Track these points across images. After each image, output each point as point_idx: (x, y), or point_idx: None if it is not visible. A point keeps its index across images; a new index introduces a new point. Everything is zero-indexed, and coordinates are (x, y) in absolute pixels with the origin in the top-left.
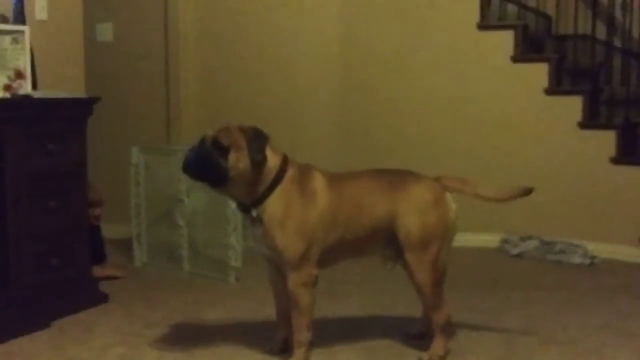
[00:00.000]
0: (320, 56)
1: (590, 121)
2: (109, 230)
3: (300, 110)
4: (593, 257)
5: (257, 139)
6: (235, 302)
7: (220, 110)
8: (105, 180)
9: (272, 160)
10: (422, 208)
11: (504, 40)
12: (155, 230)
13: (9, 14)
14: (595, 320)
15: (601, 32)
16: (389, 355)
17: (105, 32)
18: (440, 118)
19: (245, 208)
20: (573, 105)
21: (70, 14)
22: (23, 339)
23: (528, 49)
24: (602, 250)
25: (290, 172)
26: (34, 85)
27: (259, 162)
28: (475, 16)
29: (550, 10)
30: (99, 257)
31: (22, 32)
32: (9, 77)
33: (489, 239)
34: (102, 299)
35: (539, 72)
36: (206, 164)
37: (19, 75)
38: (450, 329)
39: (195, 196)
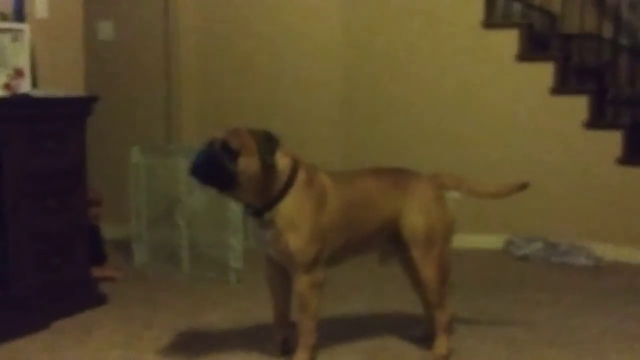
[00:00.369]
0: (323, 54)
1: (596, 121)
2: (109, 231)
3: (303, 109)
4: (598, 259)
5: (268, 143)
6: (235, 303)
7: (221, 109)
8: (105, 180)
9: (283, 163)
10: (426, 205)
11: (509, 39)
12: (155, 231)
13: (9, 12)
14: (600, 322)
15: (607, 31)
16: (391, 356)
17: (106, 30)
18: (445, 117)
19: (256, 211)
20: (579, 105)
21: (71, 12)
22: (21, 340)
23: (533, 47)
24: (607, 251)
25: (301, 174)
26: (34, 84)
27: (270, 167)
28: (480, 14)
29: (556, 8)
30: (99, 258)
31: (22, 30)
32: (8, 76)
33: (494, 241)
34: (101, 300)
35: (544, 71)
36: (215, 169)
37: (19, 73)
38: (451, 328)
39: (196, 196)
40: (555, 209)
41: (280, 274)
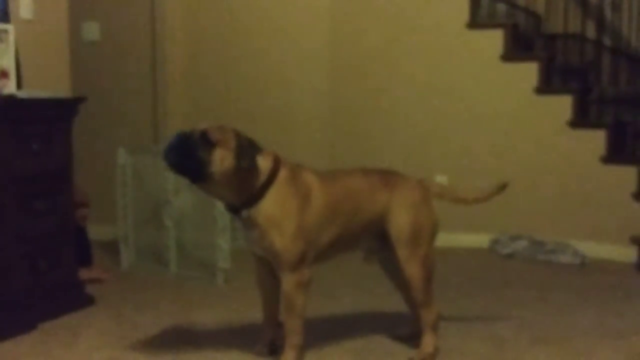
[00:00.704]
0: (309, 53)
1: (580, 120)
2: (96, 232)
3: (290, 108)
4: (583, 257)
5: (249, 148)
6: (223, 304)
7: (208, 109)
8: (92, 181)
9: (263, 163)
10: (413, 205)
11: (494, 39)
12: (142, 232)
13: None
14: (585, 320)
15: (591, 31)
16: (379, 355)
17: (92, 31)
18: (430, 116)
19: (234, 209)
20: (563, 104)
21: (56, 12)
22: (8, 342)
23: (518, 47)
24: (592, 249)
25: (283, 173)
26: (19, 85)
27: (245, 170)
28: (465, 15)
29: (540, 9)
30: (86, 259)
31: (7, 31)
32: None
33: (480, 239)
34: (88, 301)
35: (528, 71)
36: (187, 154)
37: (4, 74)
38: (437, 327)
39: (183, 197)
40: (541, 208)
41: (270, 274)
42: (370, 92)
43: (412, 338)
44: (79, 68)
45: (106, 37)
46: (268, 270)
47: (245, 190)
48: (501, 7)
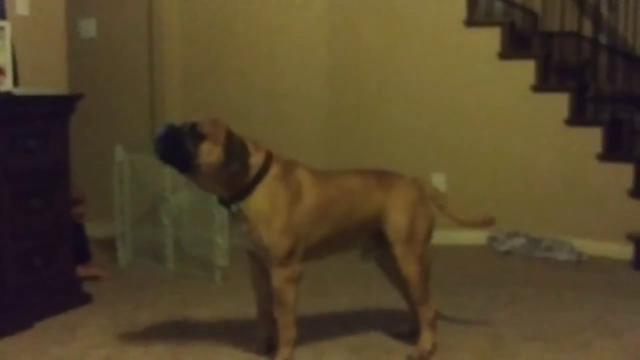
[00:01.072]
0: (307, 52)
1: (576, 118)
2: (93, 230)
3: (288, 107)
4: (580, 254)
5: (239, 150)
6: (221, 302)
7: (205, 107)
8: (89, 178)
9: (254, 158)
10: (410, 204)
11: (491, 37)
12: (139, 229)
13: None
14: (582, 316)
15: (587, 30)
16: (377, 352)
17: (89, 28)
18: (428, 114)
19: (224, 202)
20: (560, 102)
21: (52, 9)
22: (4, 340)
23: (515, 45)
24: (589, 247)
25: (274, 169)
26: (15, 82)
27: (232, 171)
28: (462, 13)
29: (537, 7)
30: (83, 256)
31: (3, 27)
32: None
33: (477, 236)
34: (85, 299)
35: (525, 69)
36: (174, 144)
37: (0, 71)
38: (435, 323)
39: (181, 195)
40: (538, 205)
41: (263, 271)
42: (368, 91)
43: (410, 335)
44: (75, 65)
45: (103, 34)
46: (261, 267)
47: (235, 184)
48: (498, 5)
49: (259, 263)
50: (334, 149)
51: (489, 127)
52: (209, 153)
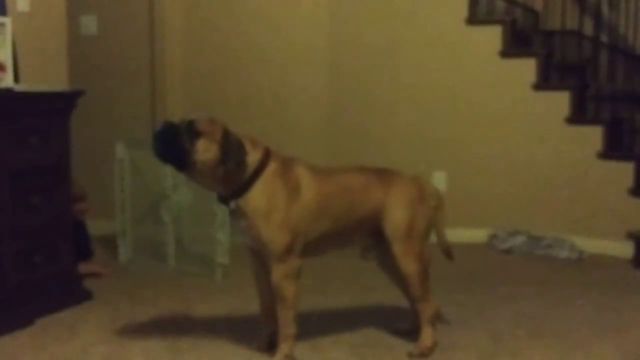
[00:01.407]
0: (309, 49)
1: (577, 116)
2: (94, 227)
3: (289, 104)
4: (580, 252)
5: (238, 151)
6: (222, 299)
7: (207, 104)
8: (90, 175)
9: (252, 155)
10: (408, 202)
11: (492, 35)
12: (140, 227)
13: None
14: (582, 314)
15: (588, 28)
16: (378, 350)
17: (89, 25)
18: (429, 113)
19: (223, 199)
20: (560, 101)
21: (53, 5)
22: (5, 337)
23: (516, 44)
24: (589, 245)
25: (272, 166)
26: (16, 79)
27: (229, 169)
28: (463, 11)
29: (538, 5)
30: (85, 253)
31: (3, 24)
32: None
33: (478, 234)
34: (86, 296)
35: (526, 67)
36: (170, 142)
37: (0, 68)
38: (436, 321)
39: (182, 192)
40: (538, 203)
41: (264, 268)
42: (369, 89)
43: (411, 332)
44: (76, 62)
45: (104, 31)
46: (262, 264)
47: (232, 181)
48: (499, 4)
49: (259, 260)
50: (335, 147)
51: (490, 125)
52: (205, 150)
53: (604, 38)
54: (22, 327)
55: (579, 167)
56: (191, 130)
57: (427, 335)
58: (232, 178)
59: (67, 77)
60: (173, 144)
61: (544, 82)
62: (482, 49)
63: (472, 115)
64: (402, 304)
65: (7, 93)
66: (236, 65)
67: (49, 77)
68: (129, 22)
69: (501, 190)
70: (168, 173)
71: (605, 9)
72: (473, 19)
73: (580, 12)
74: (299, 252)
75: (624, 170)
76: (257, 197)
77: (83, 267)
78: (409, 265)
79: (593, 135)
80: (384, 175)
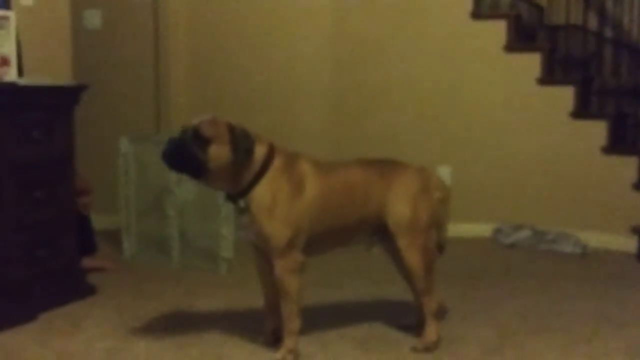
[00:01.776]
0: (313, 44)
1: (581, 111)
2: (98, 221)
3: (293, 99)
4: (585, 247)
5: (244, 140)
6: (226, 293)
7: (211, 98)
8: (94, 170)
9: (258, 151)
10: (412, 195)
11: (497, 30)
12: (144, 221)
13: None
14: (587, 309)
15: (592, 23)
16: (382, 344)
17: (94, 18)
18: (433, 107)
19: (232, 198)
20: (565, 95)
21: None
22: (8, 332)
23: (520, 38)
24: (594, 239)
25: (277, 162)
26: (20, 73)
27: (241, 162)
28: (468, 5)
29: (543, 0)
30: (89, 248)
31: (8, 17)
32: None
33: (482, 229)
34: (90, 291)
35: (531, 62)
36: (184, 156)
37: (4, 61)
38: (440, 315)
39: (186, 186)
40: (543, 198)
41: (268, 263)
42: (373, 84)
43: (416, 327)
44: (80, 56)
45: (108, 24)
46: (266, 259)
47: (241, 179)
48: None
49: (263, 255)
50: (340, 142)
51: (495, 119)
52: (218, 155)
53: (609, 33)
54: (25, 322)
55: (584, 161)
56: (199, 139)
57: (431, 330)
58: (242, 174)
59: (71, 71)
60: (186, 157)
61: (548, 77)
62: (487, 43)
63: (477, 110)
64: (407, 298)
65: (11, 87)
66: (241, 59)
67: (52, 71)
68: (133, 16)
69: (505, 185)
70: None
71: (609, 3)
72: (478, 14)
73: (585, 6)
74: (301, 247)
75: (628, 164)
76: (262, 193)
77: (87, 262)
78: (413, 258)
79: (597, 130)
80: (386, 168)
